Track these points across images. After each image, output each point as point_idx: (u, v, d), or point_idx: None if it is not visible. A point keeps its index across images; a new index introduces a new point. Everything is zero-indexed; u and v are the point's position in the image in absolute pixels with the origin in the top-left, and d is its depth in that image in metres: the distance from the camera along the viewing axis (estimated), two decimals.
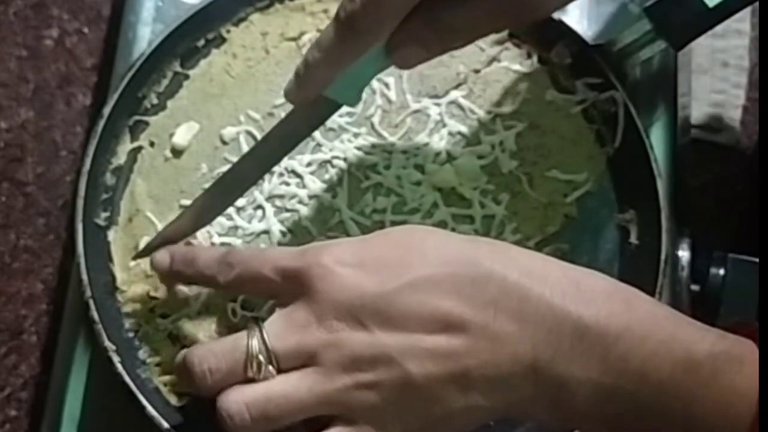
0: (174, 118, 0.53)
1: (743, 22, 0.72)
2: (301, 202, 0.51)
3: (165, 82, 0.54)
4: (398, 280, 0.38)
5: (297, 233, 0.51)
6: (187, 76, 0.54)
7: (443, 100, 0.53)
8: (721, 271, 0.51)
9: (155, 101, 0.53)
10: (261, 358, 0.38)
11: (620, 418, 0.37)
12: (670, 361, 0.36)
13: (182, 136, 0.52)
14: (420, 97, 0.54)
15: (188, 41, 0.54)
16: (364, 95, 0.46)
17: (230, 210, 0.50)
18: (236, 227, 0.51)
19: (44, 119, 0.56)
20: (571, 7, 0.55)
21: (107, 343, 0.47)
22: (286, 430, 0.39)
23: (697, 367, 0.35)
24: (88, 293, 0.48)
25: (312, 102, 0.44)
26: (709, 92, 0.71)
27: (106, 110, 0.51)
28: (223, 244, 0.50)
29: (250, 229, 0.51)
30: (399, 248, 0.39)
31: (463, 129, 0.53)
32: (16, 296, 0.53)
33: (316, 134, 0.51)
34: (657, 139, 0.53)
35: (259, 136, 0.52)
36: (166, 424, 0.46)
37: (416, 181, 0.51)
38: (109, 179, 0.52)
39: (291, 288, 0.39)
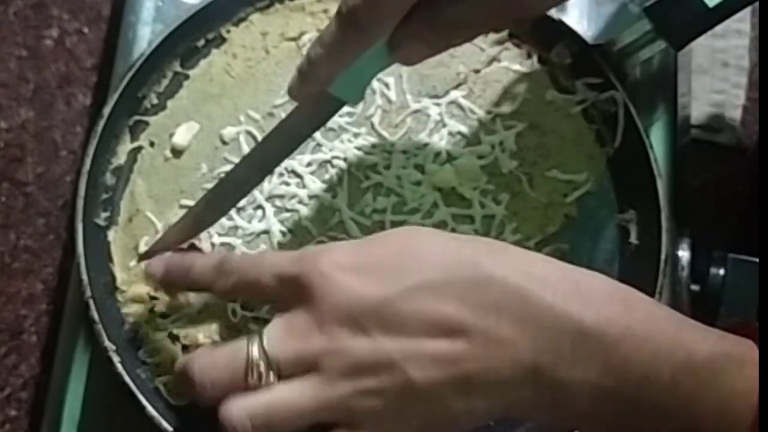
0: (174, 118, 0.53)
1: (743, 22, 0.72)
2: (301, 202, 0.51)
3: (165, 82, 0.54)
4: (398, 284, 0.37)
5: (297, 233, 0.51)
6: (187, 76, 0.54)
7: (443, 100, 0.53)
8: (721, 271, 0.51)
9: (155, 101, 0.53)
10: (261, 365, 0.38)
11: (621, 418, 0.37)
12: (670, 362, 0.36)
13: (182, 136, 0.52)
14: (420, 97, 0.54)
15: (188, 41, 0.54)
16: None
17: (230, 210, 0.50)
18: (236, 227, 0.51)
19: (44, 119, 0.56)
20: (571, 7, 0.55)
21: (107, 343, 0.47)
22: None
23: (697, 368, 0.35)
24: (88, 293, 0.48)
25: (315, 100, 0.44)
26: (709, 92, 0.71)
27: (106, 110, 0.51)
28: (223, 244, 0.50)
29: (250, 229, 0.51)
30: (398, 252, 0.39)
31: (463, 129, 0.53)
32: (16, 296, 0.53)
33: (316, 134, 0.51)
34: (657, 139, 0.53)
35: (259, 136, 0.52)
36: (165, 424, 0.46)
37: (416, 181, 0.51)
38: (109, 179, 0.52)
39: (290, 294, 0.39)
